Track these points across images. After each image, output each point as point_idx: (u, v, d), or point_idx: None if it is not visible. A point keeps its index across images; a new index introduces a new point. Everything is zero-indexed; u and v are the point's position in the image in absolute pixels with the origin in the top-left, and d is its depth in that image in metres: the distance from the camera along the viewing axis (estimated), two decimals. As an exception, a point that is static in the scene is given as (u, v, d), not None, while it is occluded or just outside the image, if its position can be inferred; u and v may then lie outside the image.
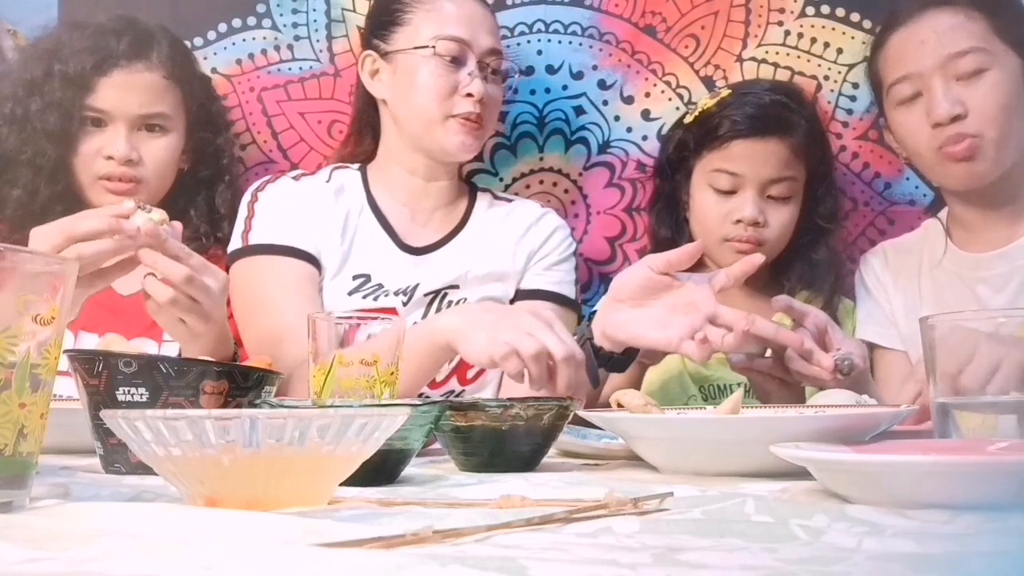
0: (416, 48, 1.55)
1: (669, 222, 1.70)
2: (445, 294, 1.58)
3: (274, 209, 1.57)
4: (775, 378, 1.34)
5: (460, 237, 1.64)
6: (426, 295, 1.57)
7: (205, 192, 1.69)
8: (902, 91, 1.52)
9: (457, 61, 1.55)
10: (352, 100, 1.76)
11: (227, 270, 1.52)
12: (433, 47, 1.54)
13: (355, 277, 1.57)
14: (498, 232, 1.65)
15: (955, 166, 1.49)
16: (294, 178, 1.63)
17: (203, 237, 1.67)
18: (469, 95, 1.54)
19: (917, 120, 1.50)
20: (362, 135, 1.72)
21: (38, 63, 1.62)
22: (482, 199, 1.70)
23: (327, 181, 1.63)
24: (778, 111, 1.59)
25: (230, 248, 1.57)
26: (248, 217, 1.57)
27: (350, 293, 1.55)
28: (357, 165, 1.68)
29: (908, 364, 1.54)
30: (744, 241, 1.57)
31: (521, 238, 1.65)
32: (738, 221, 1.57)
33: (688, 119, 1.65)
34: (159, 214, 1.22)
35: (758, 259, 1.27)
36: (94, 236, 1.17)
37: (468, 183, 1.73)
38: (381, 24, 1.62)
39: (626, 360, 1.32)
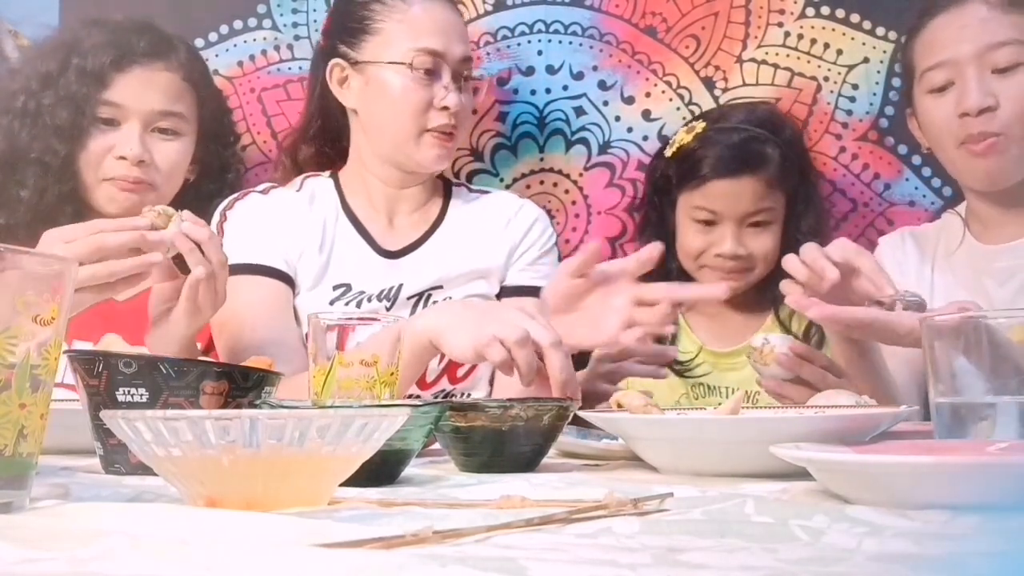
0: (391, 63, 1.52)
1: None
2: (429, 295, 1.57)
3: (244, 228, 1.56)
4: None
5: (438, 235, 1.63)
6: (409, 298, 1.56)
7: (206, 207, 1.65)
8: (935, 78, 1.50)
9: (432, 74, 1.52)
10: (304, 107, 1.73)
11: None
12: (410, 63, 1.50)
13: (336, 287, 1.56)
14: (477, 227, 1.64)
15: (976, 161, 1.47)
16: (262, 192, 1.61)
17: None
18: (445, 108, 1.51)
19: (946, 110, 1.49)
20: (317, 141, 1.69)
21: (54, 57, 1.59)
22: (457, 194, 1.68)
23: (298, 190, 1.62)
24: (751, 148, 1.61)
25: None
26: None
27: (332, 303, 1.53)
28: (328, 172, 1.66)
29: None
30: (728, 272, 1.61)
31: (501, 232, 1.64)
32: (719, 255, 1.60)
33: (668, 152, 1.67)
34: (183, 219, 1.23)
35: (658, 248, 1.28)
36: (124, 250, 1.17)
37: (441, 178, 1.71)
38: (349, 31, 1.58)
39: (582, 360, 1.33)
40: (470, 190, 1.71)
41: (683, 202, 1.64)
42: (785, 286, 1.24)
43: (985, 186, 1.52)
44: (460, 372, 1.58)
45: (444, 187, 1.69)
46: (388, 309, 1.54)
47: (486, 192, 1.71)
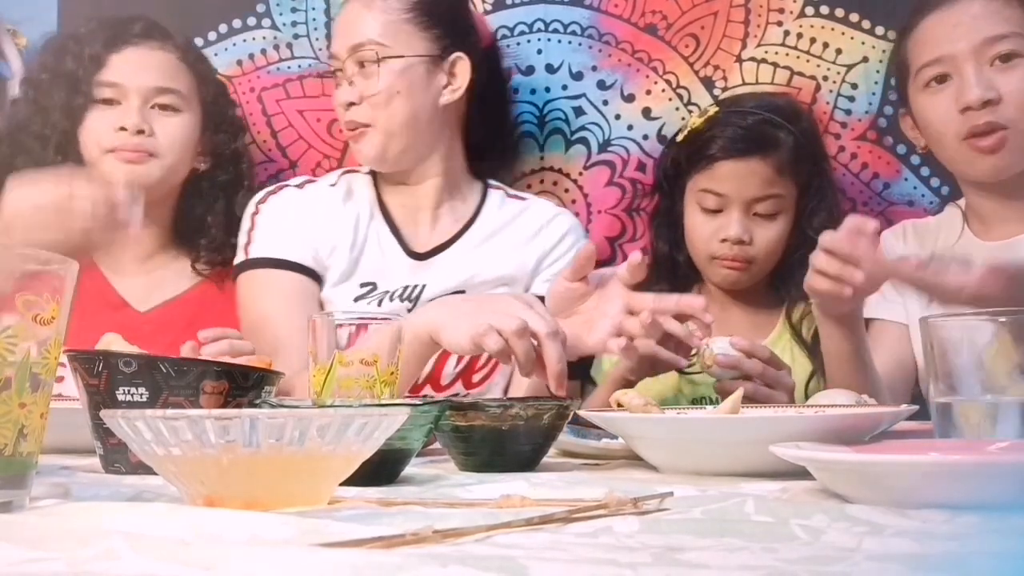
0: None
1: (668, 237, 1.70)
2: None
3: (275, 222, 1.57)
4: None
5: (467, 237, 1.62)
6: (430, 300, 1.56)
7: (224, 198, 1.67)
8: (931, 74, 1.50)
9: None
10: None
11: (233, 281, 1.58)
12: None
13: (362, 284, 1.56)
14: (507, 232, 1.63)
15: (980, 157, 1.48)
16: (298, 186, 1.62)
17: (220, 247, 1.65)
18: (341, 104, 1.56)
19: (945, 105, 1.49)
20: None
21: (50, 48, 1.64)
22: (493, 196, 1.67)
23: (333, 185, 1.62)
24: (762, 130, 1.58)
25: (235, 260, 1.58)
26: (250, 229, 1.57)
27: (356, 299, 1.54)
28: (367, 169, 1.65)
29: (906, 338, 1.56)
30: (731, 259, 1.58)
31: (531, 239, 1.63)
32: (724, 240, 1.57)
33: (679, 137, 1.66)
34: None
35: (637, 258, 1.26)
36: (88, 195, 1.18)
37: (481, 179, 1.70)
38: None
39: (585, 365, 1.33)
40: (508, 194, 1.70)
41: (691, 187, 1.61)
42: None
43: (989, 177, 1.52)
44: (475, 378, 1.57)
45: (482, 188, 1.68)
46: (409, 311, 1.53)
47: (523, 198, 1.70)
